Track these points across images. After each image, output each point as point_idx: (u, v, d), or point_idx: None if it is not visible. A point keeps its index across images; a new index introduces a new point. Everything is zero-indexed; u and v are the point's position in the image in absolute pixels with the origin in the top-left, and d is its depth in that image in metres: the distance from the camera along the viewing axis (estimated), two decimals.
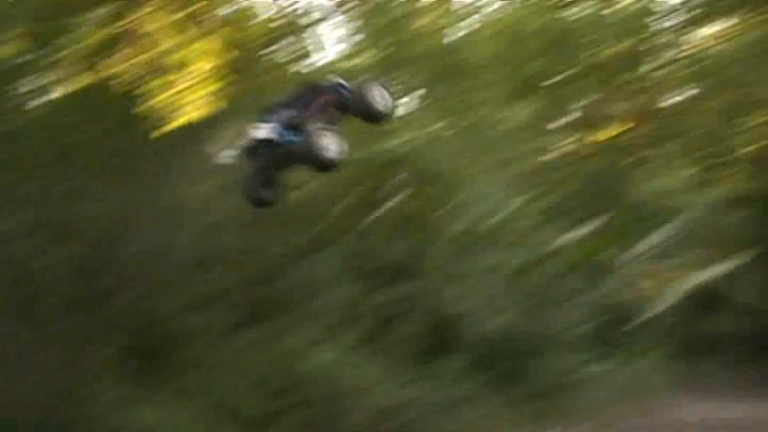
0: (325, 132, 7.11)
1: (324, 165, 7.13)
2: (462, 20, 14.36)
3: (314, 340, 11.08)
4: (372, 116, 7.70)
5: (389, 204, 10.75)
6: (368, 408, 10.48)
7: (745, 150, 23.10)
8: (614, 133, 19.85)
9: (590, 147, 19.35)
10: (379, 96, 7.84)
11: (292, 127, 7.31)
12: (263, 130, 7.35)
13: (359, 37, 12.99)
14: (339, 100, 7.49)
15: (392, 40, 12.32)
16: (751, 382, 17.43)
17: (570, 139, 20.64)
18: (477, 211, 11.01)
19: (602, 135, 19.78)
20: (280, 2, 11.09)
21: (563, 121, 19.65)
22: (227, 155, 7.73)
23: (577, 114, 19.10)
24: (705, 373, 17.86)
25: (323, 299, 11.08)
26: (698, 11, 18.85)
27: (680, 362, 17.33)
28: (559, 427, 11.01)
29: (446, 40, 12.78)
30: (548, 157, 18.50)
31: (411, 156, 11.64)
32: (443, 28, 13.34)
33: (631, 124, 19.42)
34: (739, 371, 18.46)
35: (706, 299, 21.20)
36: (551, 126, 17.37)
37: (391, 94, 7.70)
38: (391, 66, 12.37)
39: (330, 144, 7.03)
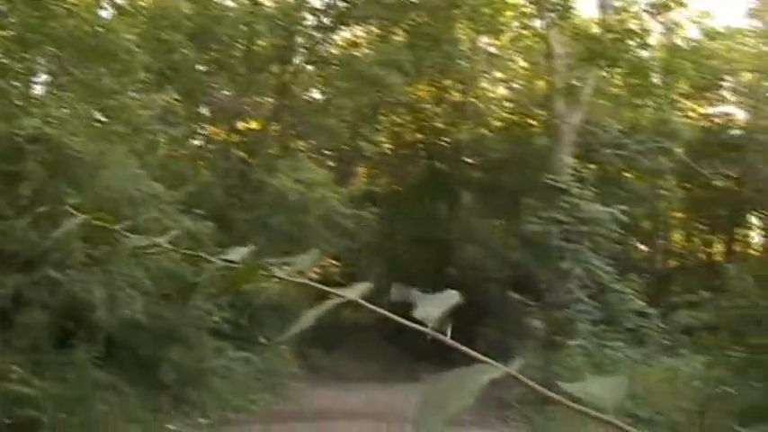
0: None
1: None
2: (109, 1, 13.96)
3: None
4: None
5: (24, 186, 10.19)
6: None
7: (376, 149, 24.87)
8: (254, 126, 20.46)
9: (229, 138, 19.76)
10: None
11: None
12: None
13: None
14: None
15: (31, 16, 11.67)
16: (372, 372, 18.82)
17: (209, 130, 20.91)
18: (112, 196, 10.77)
19: (242, 127, 20.28)
20: None
21: (203, 110, 19.84)
22: None
23: (217, 105, 19.39)
24: (331, 362, 18.98)
25: None
26: (339, 14, 19.82)
27: (308, 350, 18.25)
28: (199, 416, 11.15)
29: (91, 21, 12.32)
30: (186, 146, 18.62)
31: (44, 137, 11.11)
32: (90, 8, 12.87)
33: (268, 119, 20.11)
34: (362, 361, 19.86)
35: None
36: (190, 115, 17.42)
37: None
38: (27, 43, 11.73)
39: None
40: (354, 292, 1.47)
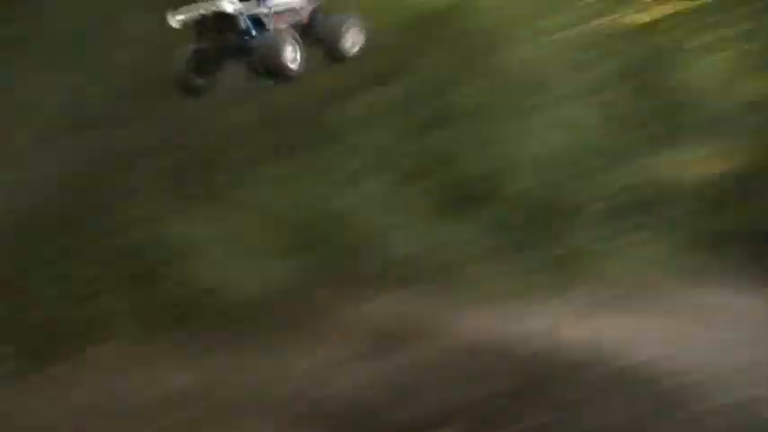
0: (292, 41, 6.69)
1: (277, 71, 6.69)
2: None
3: (341, 181, 11.07)
4: (334, 56, 7.34)
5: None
6: (388, 253, 10.55)
7: None
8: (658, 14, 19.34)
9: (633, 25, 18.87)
10: (351, 41, 7.46)
11: (256, 20, 6.85)
12: (228, 3, 6.84)
13: None
14: (310, 25, 7.08)
15: None
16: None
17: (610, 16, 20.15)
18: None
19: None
20: None
21: None
22: (177, 18, 7.10)
23: None
24: (715, 265, 18.00)
25: (355, 140, 11.00)
26: None
27: (690, 252, 17.44)
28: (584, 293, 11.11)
29: None
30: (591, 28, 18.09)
31: (453, 11, 11.36)
32: None
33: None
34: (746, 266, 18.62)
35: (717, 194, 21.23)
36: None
37: (363, 38, 7.35)
38: None
39: (289, 53, 6.60)
40: None
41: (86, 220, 10.04)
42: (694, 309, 11.73)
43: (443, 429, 7.18)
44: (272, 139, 11.44)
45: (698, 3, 17.97)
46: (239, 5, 7.13)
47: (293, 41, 6.87)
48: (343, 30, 7.64)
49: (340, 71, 11.02)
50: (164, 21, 8.25)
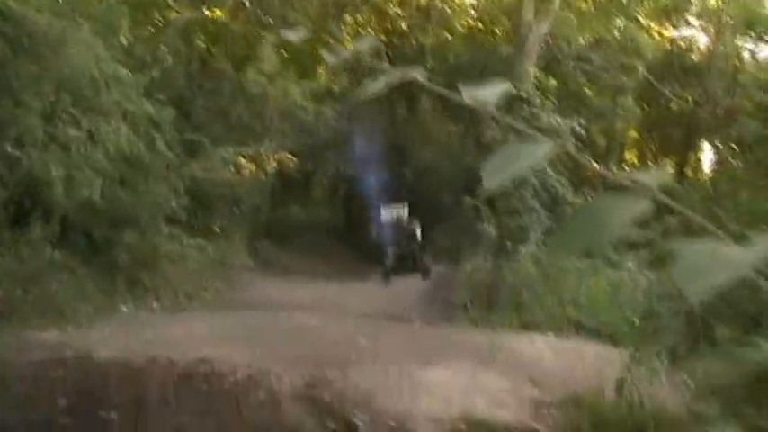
0: None
1: None
2: None
3: None
4: None
5: None
6: None
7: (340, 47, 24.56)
8: (219, 13, 20.07)
9: (193, 24, 19.41)
10: None
11: None
12: None
13: None
14: None
15: None
16: (322, 269, 19.05)
17: (173, 14, 20.44)
18: (74, 76, 10.59)
19: (208, 14, 19.89)
20: None
21: None
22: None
23: None
24: (282, 257, 19.14)
25: None
26: None
27: (260, 245, 18.39)
28: (151, 300, 11.22)
29: None
30: (149, 29, 18.18)
31: (8, 12, 10.85)
32: None
33: (234, 8, 19.68)
34: (312, 258, 20.07)
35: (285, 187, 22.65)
36: None
37: None
38: None
39: None
40: None
41: None
42: (245, 305, 12.47)
43: None
44: None
45: None
46: None
47: None
48: None
49: None
50: None
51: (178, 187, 12.65)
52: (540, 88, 17.00)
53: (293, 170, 21.16)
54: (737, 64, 23.31)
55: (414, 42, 24.40)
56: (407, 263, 17.06)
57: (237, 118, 16.41)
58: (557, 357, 10.04)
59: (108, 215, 11.24)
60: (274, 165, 18.84)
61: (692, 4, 24.95)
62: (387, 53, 25.26)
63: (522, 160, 1.10)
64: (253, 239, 17.45)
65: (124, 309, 10.66)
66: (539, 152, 1.10)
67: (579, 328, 11.93)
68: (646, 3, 23.00)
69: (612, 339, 11.23)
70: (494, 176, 1.16)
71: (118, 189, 11.58)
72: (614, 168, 26.77)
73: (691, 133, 26.30)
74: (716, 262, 0.99)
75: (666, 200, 1.16)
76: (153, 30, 19.12)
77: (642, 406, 7.25)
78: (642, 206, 1.08)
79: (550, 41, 19.43)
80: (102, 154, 11.09)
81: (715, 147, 28.22)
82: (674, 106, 24.47)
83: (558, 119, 16.36)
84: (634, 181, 1.11)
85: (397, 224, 17.67)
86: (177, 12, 20.20)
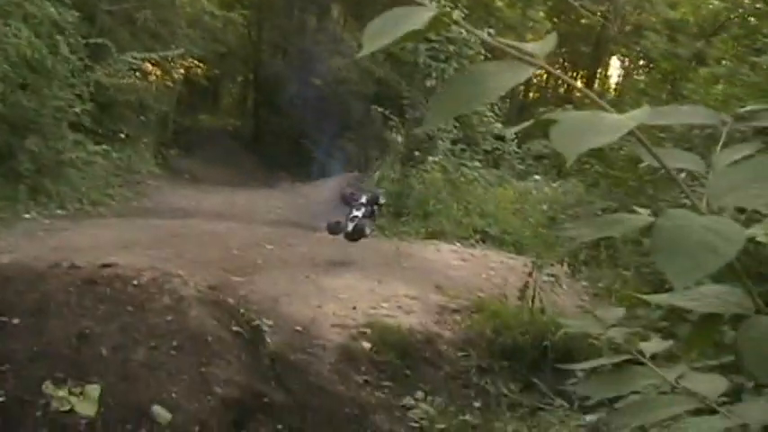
0: None
1: None
2: None
3: None
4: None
5: None
6: None
7: None
8: None
9: None
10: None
11: None
12: None
13: None
14: None
15: None
16: (229, 177, 18.89)
17: None
18: None
19: None
20: None
21: None
22: None
23: None
24: (189, 165, 18.88)
25: None
26: None
27: (167, 152, 18.09)
28: (56, 207, 10.92)
29: None
30: None
31: None
32: None
33: None
34: (220, 166, 19.86)
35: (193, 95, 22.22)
36: None
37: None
38: None
39: None
40: None
41: None
42: (148, 212, 12.32)
43: None
44: None
45: None
46: None
47: None
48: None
49: None
50: None
51: (82, 92, 12.21)
52: None
53: (202, 78, 20.73)
54: None
55: None
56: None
57: (144, 23, 15.85)
58: (462, 265, 10.25)
59: (9, 121, 10.81)
60: (182, 72, 18.39)
61: None
62: None
63: (402, 25, 1.08)
64: (160, 147, 17.12)
65: (27, 216, 10.37)
66: (420, 17, 1.07)
67: (485, 237, 12.17)
68: None
69: (517, 248, 11.52)
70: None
71: (19, 94, 11.12)
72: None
73: (600, 48, 26.64)
74: (594, 125, 1.01)
75: (550, 68, 1.16)
76: None
77: (543, 312, 7.48)
78: (523, 73, 1.08)
79: None
80: (1, 57, 10.62)
81: (622, 61, 28.73)
82: (584, 21, 24.64)
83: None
84: (519, 49, 1.11)
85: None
86: None
